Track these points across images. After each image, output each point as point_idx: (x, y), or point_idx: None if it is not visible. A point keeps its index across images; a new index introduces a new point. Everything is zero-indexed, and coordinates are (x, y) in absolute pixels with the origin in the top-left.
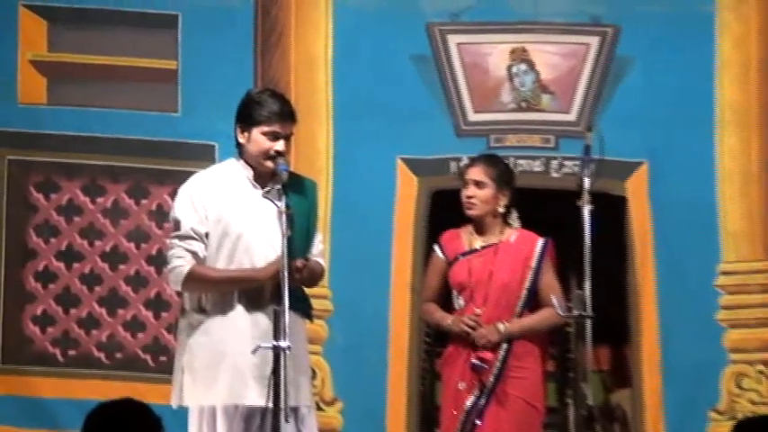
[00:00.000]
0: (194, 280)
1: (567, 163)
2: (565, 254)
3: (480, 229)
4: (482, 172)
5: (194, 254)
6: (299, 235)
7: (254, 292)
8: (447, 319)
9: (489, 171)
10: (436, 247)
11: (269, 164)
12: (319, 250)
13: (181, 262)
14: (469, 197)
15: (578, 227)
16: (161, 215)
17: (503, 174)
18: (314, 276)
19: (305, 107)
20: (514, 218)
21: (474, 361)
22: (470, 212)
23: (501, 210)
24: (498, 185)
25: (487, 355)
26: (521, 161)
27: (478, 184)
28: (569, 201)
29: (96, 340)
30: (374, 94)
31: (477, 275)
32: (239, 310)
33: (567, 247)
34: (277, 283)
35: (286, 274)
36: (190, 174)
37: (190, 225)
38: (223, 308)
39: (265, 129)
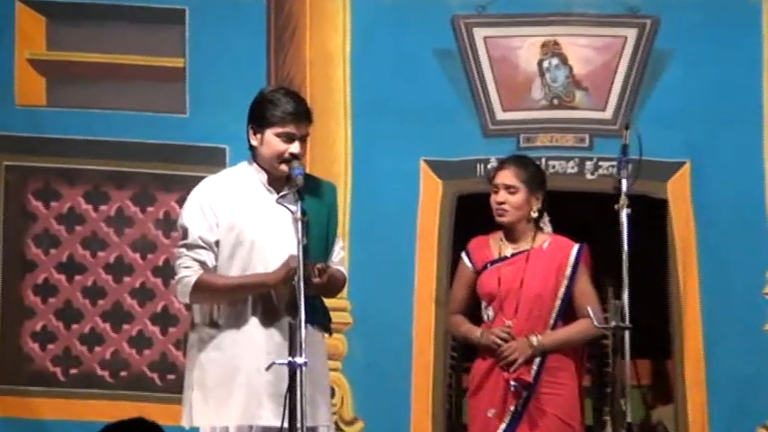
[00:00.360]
0: (202, 290)
1: (602, 164)
2: (601, 261)
3: (511, 236)
4: (513, 175)
5: (202, 264)
6: (316, 242)
7: (269, 304)
8: (475, 332)
9: (521, 174)
10: (463, 255)
11: (283, 167)
12: (340, 258)
13: (188, 272)
14: (500, 203)
15: (616, 232)
16: (168, 223)
17: (535, 176)
18: (335, 284)
19: (321, 106)
20: (546, 222)
21: (513, 383)
22: (502, 219)
23: (534, 215)
24: (530, 189)
25: (526, 375)
26: (553, 162)
27: (510, 188)
28: (606, 204)
29: (100, 358)
30: (395, 92)
31: (507, 285)
32: (253, 323)
33: (604, 253)
34: (292, 293)
35: (302, 284)
36: (199, 179)
37: (198, 233)
38: (236, 321)
39: (279, 130)
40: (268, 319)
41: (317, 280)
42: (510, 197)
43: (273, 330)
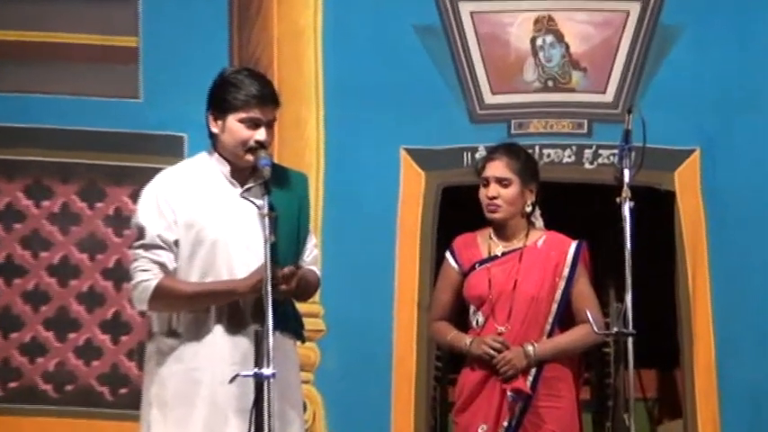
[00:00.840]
0: (163, 296)
1: (602, 152)
2: (601, 260)
3: (501, 233)
4: (505, 166)
5: (162, 266)
6: (285, 240)
7: (234, 310)
8: (463, 340)
9: (513, 164)
10: (448, 255)
11: (248, 157)
12: (313, 257)
13: (146, 276)
14: (492, 198)
15: (617, 227)
16: (119, 220)
17: (528, 166)
18: (307, 287)
19: (290, 89)
20: (537, 217)
21: (510, 394)
22: (494, 216)
23: (527, 209)
24: (524, 181)
25: (522, 384)
26: (548, 150)
27: (502, 181)
28: (606, 197)
29: (42, 370)
30: (373, 74)
31: (498, 287)
32: (217, 331)
33: (605, 251)
34: (260, 298)
35: (269, 287)
36: (154, 171)
37: (156, 232)
38: (198, 330)
39: (242, 115)
40: (233, 327)
41: (283, 287)
42: (502, 191)
43: (240, 339)
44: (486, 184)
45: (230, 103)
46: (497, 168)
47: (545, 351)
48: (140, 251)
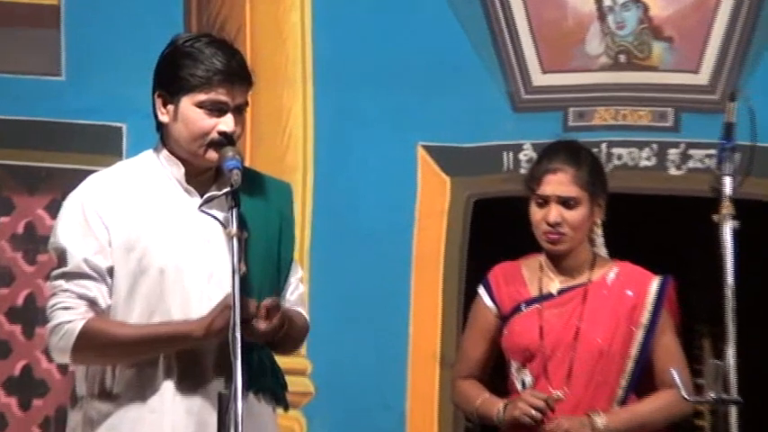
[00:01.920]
0: (91, 344)
1: (694, 152)
2: (691, 300)
3: (559, 263)
4: (571, 181)
5: (91, 302)
6: (261, 269)
7: (189, 362)
8: (496, 406)
9: (580, 176)
10: (482, 291)
11: (209, 154)
12: (299, 295)
13: (69, 316)
14: (554, 225)
15: (714, 255)
16: (33, 241)
17: (595, 173)
18: (292, 334)
19: (268, 67)
20: (597, 234)
21: None
22: (557, 248)
23: (599, 234)
24: (592, 195)
25: None
26: (619, 150)
27: (567, 201)
28: (698, 213)
29: None
30: (380, 47)
31: (554, 336)
32: (166, 391)
33: (696, 288)
34: (224, 346)
35: (237, 332)
36: (81, 175)
37: (82, 256)
38: (140, 390)
39: (201, 97)
40: (188, 386)
41: (263, 325)
42: (568, 213)
43: (196, 402)
44: (544, 204)
45: (185, 81)
46: (560, 184)
47: (619, 423)
48: (61, 282)
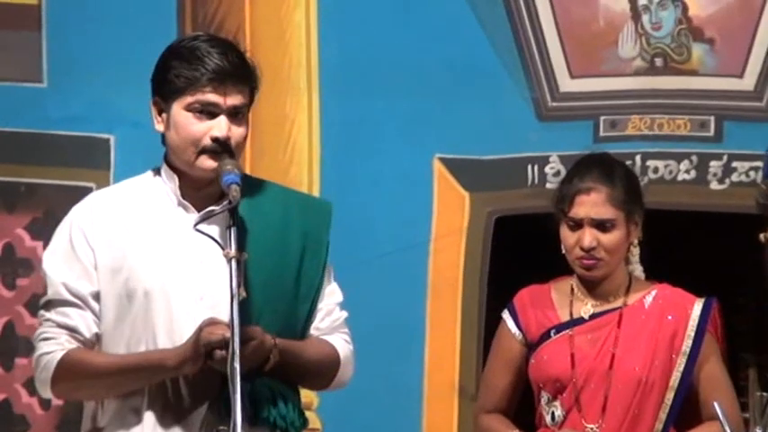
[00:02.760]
0: (69, 376)
1: (738, 165)
2: (735, 325)
3: (592, 285)
4: (606, 201)
5: (72, 331)
6: (261, 295)
7: (172, 393)
8: None
9: (616, 195)
10: (507, 316)
11: (201, 162)
12: (332, 321)
13: (48, 347)
14: (588, 250)
15: (760, 277)
16: (12, 265)
17: (631, 189)
18: (302, 366)
19: (270, 71)
20: (633, 253)
21: None
22: (592, 274)
23: (635, 254)
24: (629, 214)
25: None
26: (654, 163)
27: (603, 224)
28: (743, 232)
29: None
30: (392, 49)
31: (587, 365)
32: (147, 424)
33: (739, 313)
34: (214, 377)
35: (236, 362)
36: (65, 191)
37: (61, 280)
38: (123, 423)
39: (188, 99)
40: (172, 417)
41: (272, 360)
42: (603, 237)
43: None
44: (576, 227)
45: (173, 84)
46: (594, 205)
47: None
48: (43, 312)
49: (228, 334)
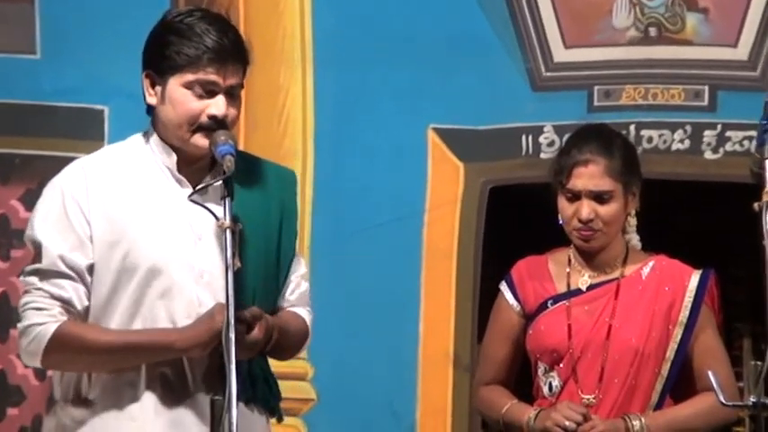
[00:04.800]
0: (64, 349)
1: (732, 134)
2: (730, 296)
3: (589, 256)
4: (604, 172)
5: (66, 303)
6: (255, 267)
7: (175, 371)
8: (525, 413)
9: (613, 166)
10: (504, 288)
11: (197, 140)
12: (300, 293)
13: (41, 317)
14: (586, 222)
15: (754, 247)
16: (6, 235)
17: (629, 160)
18: (287, 341)
19: (264, 45)
20: (632, 233)
21: None
22: (590, 246)
23: (632, 224)
24: (626, 185)
25: None
26: (649, 132)
27: (601, 196)
28: (737, 201)
29: None
30: (386, 19)
31: (584, 335)
32: (147, 401)
33: (734, 283)
34: (216, 355)
35: (231, 333)
36: (60, 162)
37: (58, 253)
38: (118, 397)
39: (189, 77)
40: (171, 395)
41: (252, 338)
42: (601, 209)
43: (181, 413)
44: (574, 199)
45: (171, 60)
46: (592, 177)
47: (656, 428)
48: (34, 280)
49: (246, 313)
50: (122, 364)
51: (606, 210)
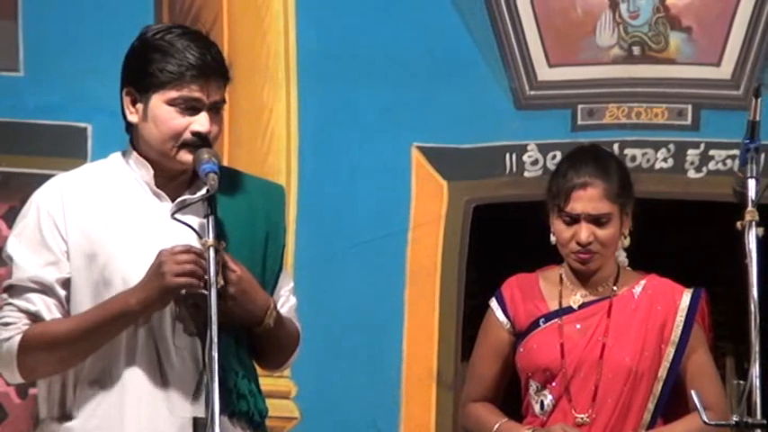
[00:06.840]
0: (33, 350)
1: (715, 153)
2: (713, 316)
3: (583, 275)
4: (602, 196)
5: (33, 315)
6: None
7: (157, 383)
8: None
9: (611, 189)
10: (494, 305)
11: (181, 156)
12: (288, 308)
13: (8, 332)
14: (584, 245)
15: (738, 265)
16: None
17: (623, 182)
18: (281, 333)
19: (247, 61)
20: (620, 251)
21: None
22: (587, 268)
23: (625, 242)
24: (622, 206)
25: None
26: (632, 151)
27: (599, 219)
28: (721, 220)
29: None
30: (370, 38)
31: (576, 354)
32: (130, 418)
33: (717, 303)
34: (197, 366)
35: (215, 351)
36: (42, 180)
37: (28, 269)
38: (104, 414)
39: (173, 94)
40: (156, 410)
41: (233, 289)
42: (599, 232)
43: (165, 427)
44: (572, 222)
45: (154, 77)
46: (591, 201)
47: None
48: (5, 296)
49: (193, 246)
50: (94, 345)
51: (604, 233)
